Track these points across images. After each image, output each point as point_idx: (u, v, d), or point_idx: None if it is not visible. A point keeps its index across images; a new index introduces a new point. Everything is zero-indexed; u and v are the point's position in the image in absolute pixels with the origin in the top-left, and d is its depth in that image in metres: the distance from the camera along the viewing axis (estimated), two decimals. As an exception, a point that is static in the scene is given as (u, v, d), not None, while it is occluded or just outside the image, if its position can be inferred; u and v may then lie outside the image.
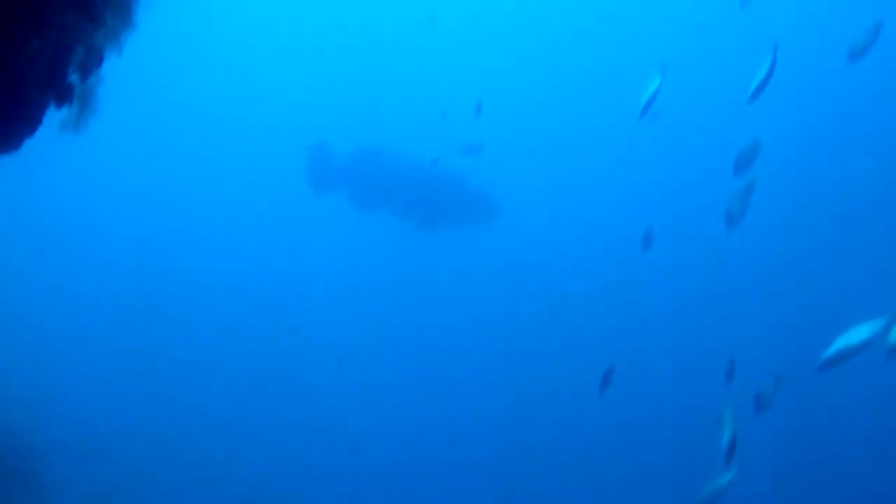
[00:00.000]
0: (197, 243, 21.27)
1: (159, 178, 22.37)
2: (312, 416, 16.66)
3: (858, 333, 5.64)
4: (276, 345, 18.73)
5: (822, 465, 15.46)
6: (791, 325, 16.54)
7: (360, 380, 17.89)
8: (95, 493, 10.97)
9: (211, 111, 23.36)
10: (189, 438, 14.37)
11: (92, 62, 4.63)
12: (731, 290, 18.72)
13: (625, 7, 22.62)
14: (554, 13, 23.47)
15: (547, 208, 21.59)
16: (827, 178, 19.77)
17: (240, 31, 23.61)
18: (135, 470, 12.47)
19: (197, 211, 22.29)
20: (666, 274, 18.58)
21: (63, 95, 4.47)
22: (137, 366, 16.07)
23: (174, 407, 15.01)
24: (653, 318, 18.72)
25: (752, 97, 6.74)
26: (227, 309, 19.35)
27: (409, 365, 18.95)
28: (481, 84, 18.01)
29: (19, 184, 16.19)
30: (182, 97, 22.93)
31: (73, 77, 4.53)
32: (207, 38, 23.19)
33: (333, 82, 22.97)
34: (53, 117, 4.46)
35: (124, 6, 4.43)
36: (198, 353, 17.20)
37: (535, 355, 18.61)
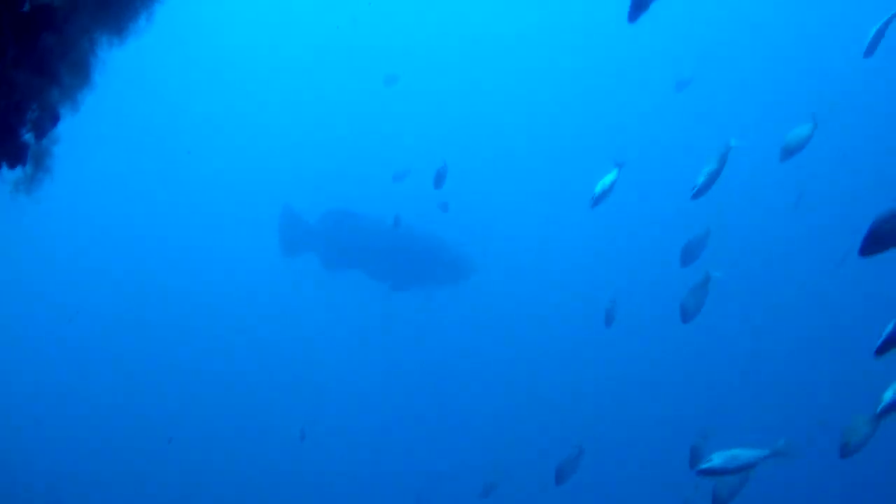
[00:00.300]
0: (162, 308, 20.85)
1: (128, 250, 22.08)
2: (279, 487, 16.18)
3: (743, 455, 5.61)
4: (247, 415, 18.28)
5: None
6: (761, 406, 16.49)
7: (330, 447, 17.47)
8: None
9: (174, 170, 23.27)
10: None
11: (47, 121, 4.49)
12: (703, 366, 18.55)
13: (575, 86, 23.38)
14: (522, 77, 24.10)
15: (521, 269, 21.59)
16: (786, 256, 19.97)
17: (203, 92, 23.73)
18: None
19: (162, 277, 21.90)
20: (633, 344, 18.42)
21: (16, 156, 4.31)
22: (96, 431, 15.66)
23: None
24: (619, 393, 18.44)
25: (696, 193, 6.63)
26: (193, 378, 18.87)
27: (382, 428, 18.57)
28: (444, 151, 18.07)
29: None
30: (146, 160, 22.87)
31: (28, 136, 4.38)
32: (173, 95, 23.26)
33: (302, 144, 23.09)
34: (6, 178, 4.30)
35: (81, 63, 4.31)
36: (158, 424, 16.76)
37: (510, 419, 18.31)
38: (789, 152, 7.23)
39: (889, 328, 4.27)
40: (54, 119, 4.47)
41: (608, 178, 7.13)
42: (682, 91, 15.33)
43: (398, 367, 19.36)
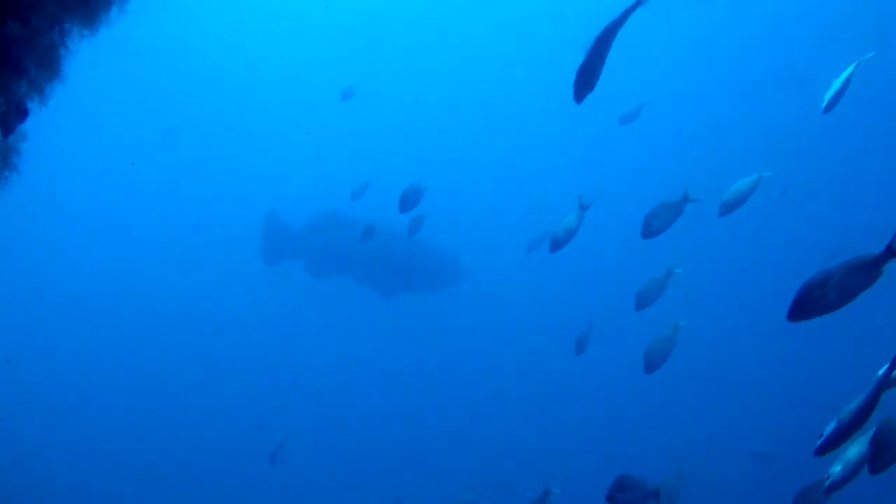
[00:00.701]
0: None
1: (102, 253, 21.74)
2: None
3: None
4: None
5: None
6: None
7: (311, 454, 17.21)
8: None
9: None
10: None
11: (14, 116, 4.27)
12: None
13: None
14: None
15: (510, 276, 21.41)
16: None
17: (183, 91, 23.45)
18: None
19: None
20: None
21: (-19, 154, 4.11)
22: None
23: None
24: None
25: (645, 236, 6.45)
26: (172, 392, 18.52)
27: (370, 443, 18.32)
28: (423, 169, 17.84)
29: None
30: (122, 160, 22.57)
31: (-7, 133, 4.17)
32: (154, 94, 22.98)
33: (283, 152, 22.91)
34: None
35: (50, 55, 4.10)
36: (139, 439, 16.49)
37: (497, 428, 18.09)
38: (729, 207, 7.00)
39: (829, 428, 4.11)
40: (22, 114, 4.26)
41: (570, 221, 6.65)
42: (625, 125, 14.85)
43: (380, 375, 19.14)
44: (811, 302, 3.84)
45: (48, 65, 4.15)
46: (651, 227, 6.34)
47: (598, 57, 4.48)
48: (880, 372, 4.63)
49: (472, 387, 18.82)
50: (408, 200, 8.98)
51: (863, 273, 3.76)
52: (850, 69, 6.48)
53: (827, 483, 4.65)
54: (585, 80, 4.53)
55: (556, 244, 6.64)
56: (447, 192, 19.08)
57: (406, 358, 19.07)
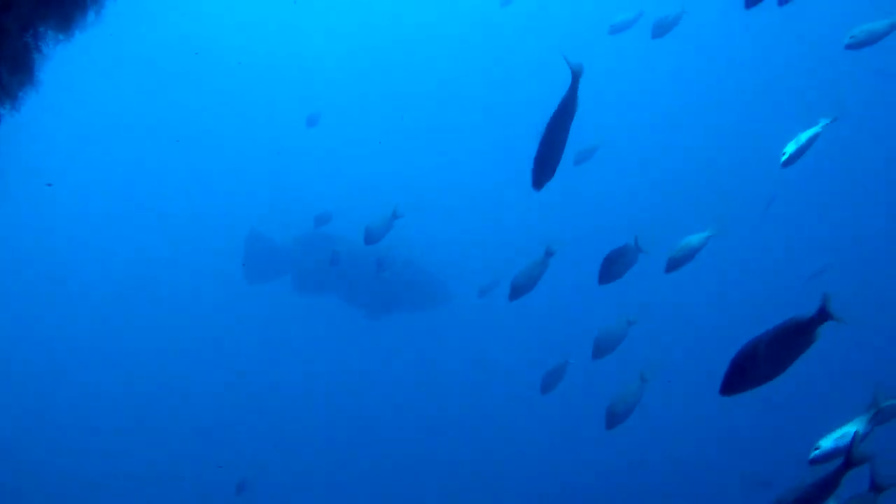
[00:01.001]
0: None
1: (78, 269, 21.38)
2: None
3: None
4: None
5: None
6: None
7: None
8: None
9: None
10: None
11: (-17, 124, 4.12)
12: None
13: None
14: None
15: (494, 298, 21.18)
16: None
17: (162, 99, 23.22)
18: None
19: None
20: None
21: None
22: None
23: None
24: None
25: (604, 280, 6.17)
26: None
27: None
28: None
29: None
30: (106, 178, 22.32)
31: (-38, 142, 4.01)
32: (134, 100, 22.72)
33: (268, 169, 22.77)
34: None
35: (22, 59, 3.94)
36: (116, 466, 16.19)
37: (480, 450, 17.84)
38: (676, 263, 6.53)
39: None
40: (-8, 122, 4.10)
41: (533, 267, 6.19)
42: (581, 163, 14.53)
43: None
44: (742, 375, 3.53)
45: (21, 69, 4.00)
46: (609, 273, 6.01)
47: (557, 141, 4.05)
48: (820, 447, 4.38)
49: (457, 408, 18.62)
50: (373, 235, 8.45)
51: (795, 338, 3.43)
52: (817, 128, 6.21)
53: None
54: (541, 169, 4.13)
55: (517, 291, 6.18)
56: (434, 213, 19.04)
57: (392, 378, 18.87)
